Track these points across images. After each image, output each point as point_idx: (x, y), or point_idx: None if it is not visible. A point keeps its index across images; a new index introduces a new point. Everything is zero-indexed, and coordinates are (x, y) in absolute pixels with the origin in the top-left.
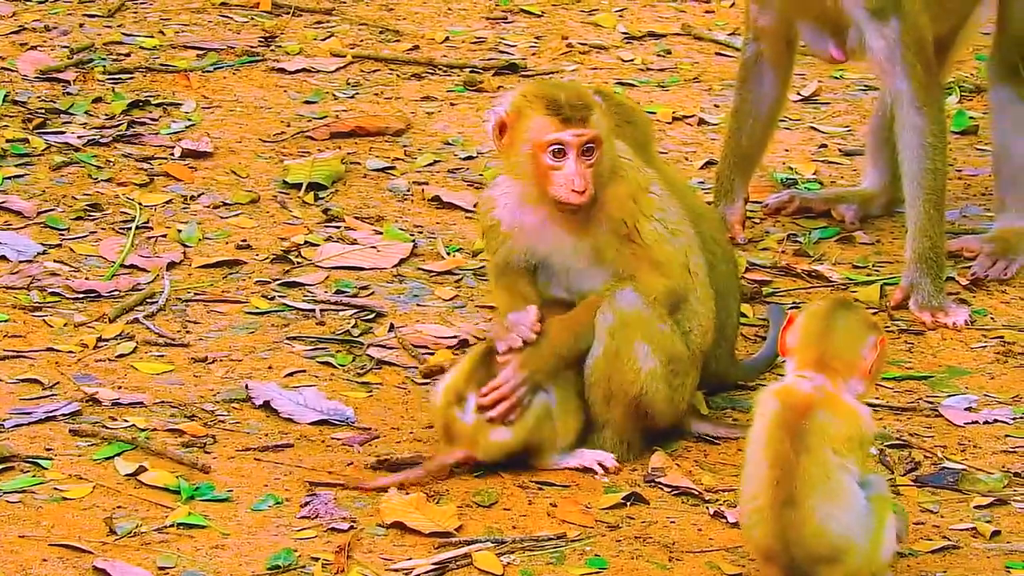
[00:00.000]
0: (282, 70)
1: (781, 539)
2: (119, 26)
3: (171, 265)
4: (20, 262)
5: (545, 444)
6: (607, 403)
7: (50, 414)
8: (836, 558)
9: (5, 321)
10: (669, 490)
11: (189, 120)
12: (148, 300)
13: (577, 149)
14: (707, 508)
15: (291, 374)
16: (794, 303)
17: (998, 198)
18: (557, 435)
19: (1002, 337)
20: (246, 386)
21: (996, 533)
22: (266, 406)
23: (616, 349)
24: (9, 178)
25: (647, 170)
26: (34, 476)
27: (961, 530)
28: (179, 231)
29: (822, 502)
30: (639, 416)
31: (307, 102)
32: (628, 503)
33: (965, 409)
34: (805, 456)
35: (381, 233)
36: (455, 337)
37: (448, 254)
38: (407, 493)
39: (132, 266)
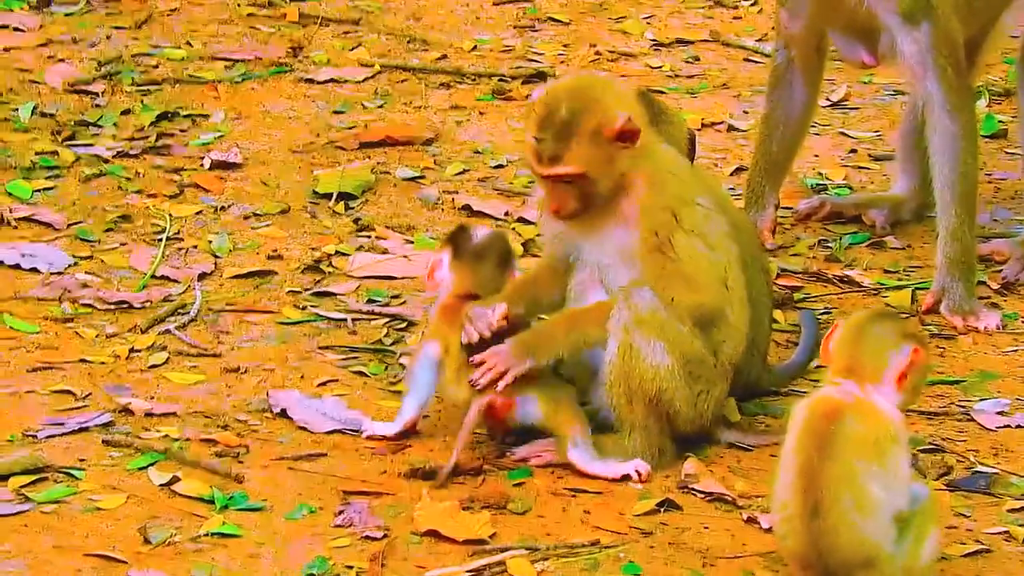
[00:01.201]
0: (310, 80)
1: (813, 547)
2: (147, 38)
3: (202, 276)
4: (51, 274)
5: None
6: (629, 403)
7: (83, 425)
8: (869, 564)
9: (37, 333)
10: (702, 496)
11: (218, 131)
12: (179, 311)
13: (549, 183)
14: (741, 514)
15: (323, 384)
16: (826, 308)
17: None
18: (574, 423)
19: None
20: (267, 395)
21: None
22: (283, 414)
23: (630, 345)
24: (39, 190)
25: (695, 182)
26: (68, 487)
27: (994, 534)
28: (210, 242)
29: (847, 510)
30: (661, 416)
31: (336, 112)
32: (662, 509)
33: (997, 413)
34: (830, 463)
35: (412, 242)
36: None
37: None
38: (443, 484)
39: (163, 277)
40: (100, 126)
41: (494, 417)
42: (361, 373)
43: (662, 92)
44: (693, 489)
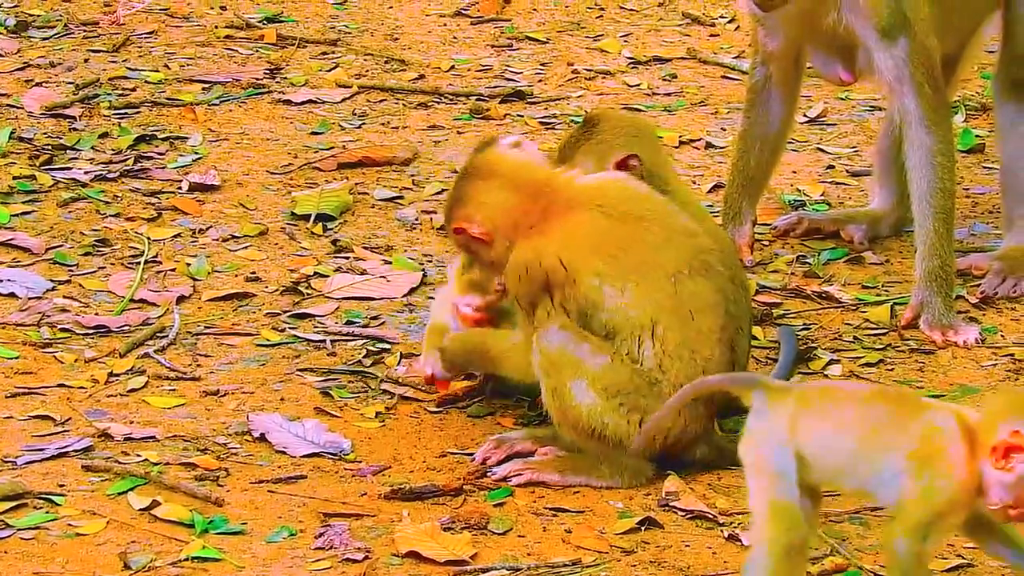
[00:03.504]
0: (288, 102)
1: None
2: (124, 61)
3: (181, 299)
4: (29, 299)
5: None
6: (580, 437)
7: (62, 450)
8: None
9: (15, 358)
10: (683, 514)
11: (196, 153)
12: (158, 334)
13: None
14: (722, 531)
15: (302, 406)
16: (805, 324)
17: (1006, 216)
18: None
19: (1012, 355)
20: (247, 418)
21: None
22: (262, 438)
23: (554, 388)
24: (17, 215)
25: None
26: (47, 512)
27: (975, 549)
28: (188, 265)
29: None
30: (612, 445)
31: (314, 133)
32: (642, 528)
33: None
34: None
35: (390, 263)
36: None
37: None
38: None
39: (142, 301)
40: (78, 150)
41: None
42: (341, 395)
43: (639, 110)
44: (674, 507)
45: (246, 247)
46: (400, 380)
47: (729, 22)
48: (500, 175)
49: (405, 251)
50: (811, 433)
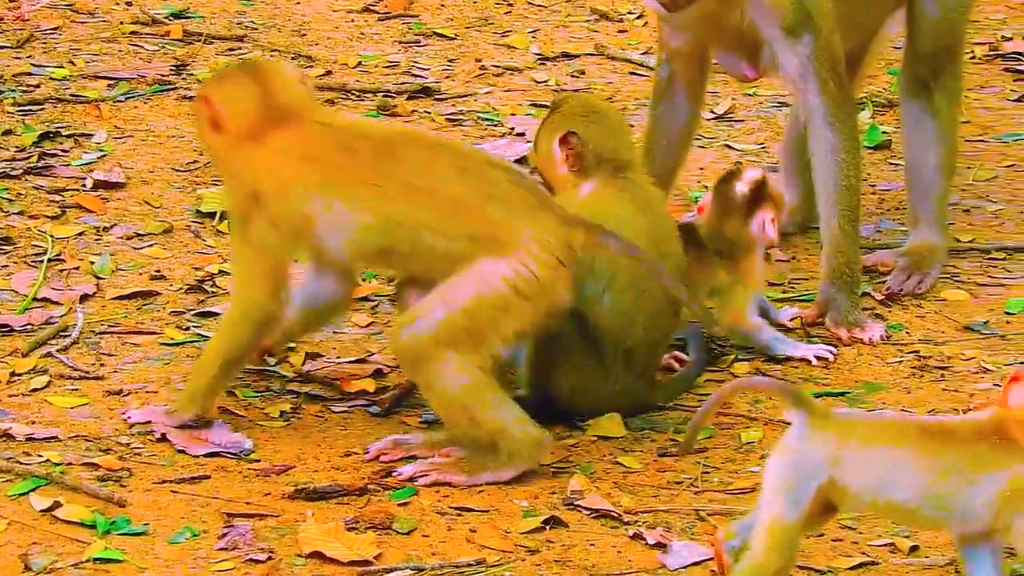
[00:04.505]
0: (194, 98)
1: None
2: (28, 57)
3: (84, 297)
4: None
5: None
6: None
7: None
8: None
9: None
10: (588, 513)
11: (101, 151)
12: (61, 333)
13: None
14: (627, 530)
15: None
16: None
17: (911, 212)
18: None
19: (918, 351)
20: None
21: (914, 548)
22: (164, 438)
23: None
24: None
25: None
26: None
27: (879, 546)
28: (92, 263)
29: None
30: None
31: None
32: (547, 527)
33: None
34: None
35: (298, 260)
36: (371, 364)
37: (364, 280)
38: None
39: (45, 299)
40: None
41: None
42: (245, 394)
43: (547, 107)
44: (579, 506)
45: (151, 245)
46: (308, 377)
47: (637, 18)
48: (265, 80)
49: None
50: (861, 469)
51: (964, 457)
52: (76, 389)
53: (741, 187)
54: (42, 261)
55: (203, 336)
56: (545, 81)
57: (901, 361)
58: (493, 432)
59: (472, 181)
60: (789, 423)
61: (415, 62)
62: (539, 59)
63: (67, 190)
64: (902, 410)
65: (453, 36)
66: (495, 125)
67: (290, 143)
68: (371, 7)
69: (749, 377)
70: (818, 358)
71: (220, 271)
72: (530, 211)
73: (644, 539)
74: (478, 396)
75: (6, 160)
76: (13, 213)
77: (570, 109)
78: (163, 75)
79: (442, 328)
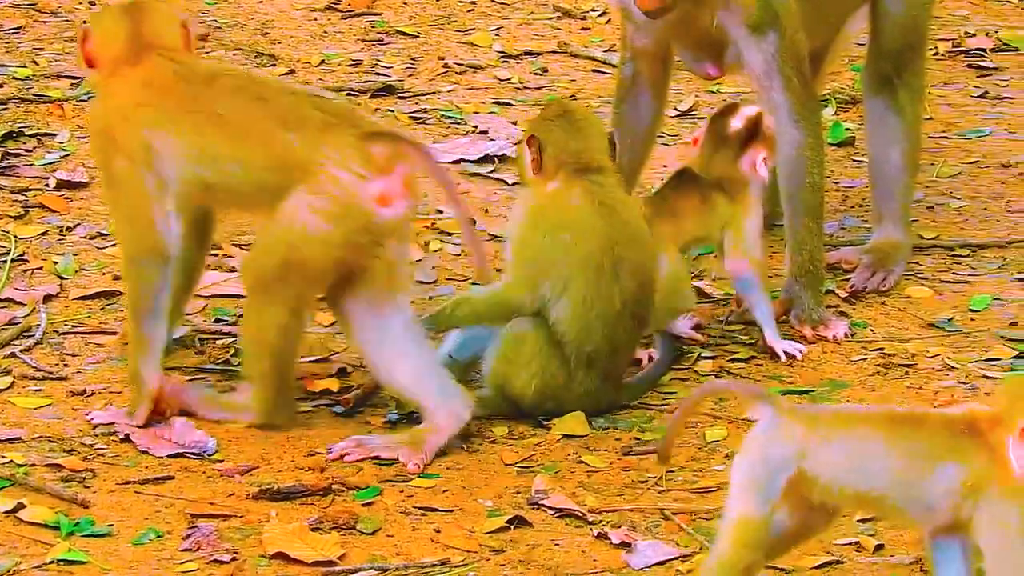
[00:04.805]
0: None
1: None
2: None
3: (47, 298)
4: None
5: None
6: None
7: None
8: None
9: None
10: (552, 512)
11: (64, 150)
12: (25, 334)
13: None
14: (591, 530)
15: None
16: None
17: (875, 210)
18: None
19: (882, 349)
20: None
21: (879, 547)
22: (127, 439)
23: None
24: None
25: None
26: None
27: (844, 544)
28: (55, 263)
29: None
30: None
31: None
32: (512, 526)
33: None
34: None
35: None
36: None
37: None
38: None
39: (8, 300)
40: None
41: None
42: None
43: (511, 104)
44: (543, 505)
45: (114, 244)
46: None
47: (600, 15)
48: (139, 17)
49: None
50: (829, 459)
51: (932, 443)
52: (40, 390)
53: (736, 123)
54: (5, 261)
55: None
56: (508, 79)
57: (865, 358)
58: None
59: (268, 109)
60: (754, 421)
61: (378, 60)
62: (502, 57)
63: (30, 190)
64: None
65: (416, 34)
66: (458, 123)
67: (136, 75)
68: (334, 5)
69: (716, 382)
70: (787, 354)
71: None
72: (324, 131)
73: (609, 538)
74: (283, 342)
75: None
76: None
77: (542, 114)
78: None
79: (261, 264)
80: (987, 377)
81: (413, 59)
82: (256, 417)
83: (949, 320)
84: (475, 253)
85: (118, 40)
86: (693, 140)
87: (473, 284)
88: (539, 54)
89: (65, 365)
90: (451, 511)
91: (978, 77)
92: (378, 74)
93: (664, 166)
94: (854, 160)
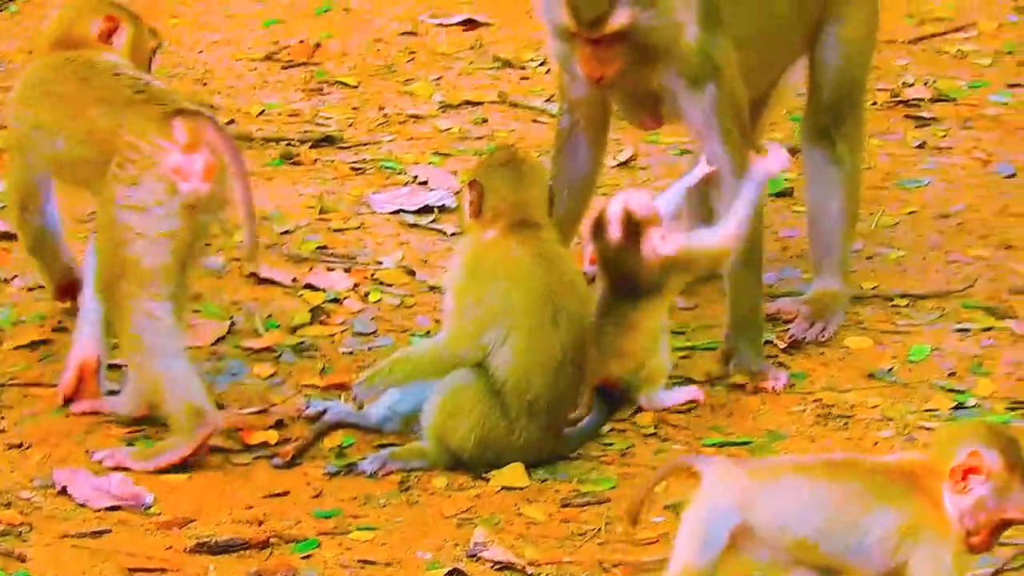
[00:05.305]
0: None
1: None
2: None
3: None
4: None
5: None
6: None
7: None
8: None
9: None
10: (491, 565)
11: (1, 203)
12: None
13: None
14: None
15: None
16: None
17: (814, 260)
18: None
19: (821, 400)
20: (52, 471)
21: None
22: (64, 492)
23: None
24: None
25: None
26: None
27: None
28: None
29: None
30: None
31: None
32: None
33: None
34: None
35: (198, 311)
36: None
37: (266, 331)
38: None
39: None
40: None
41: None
42: (147, 446)
43: (450, 155)
44: (483, 557)
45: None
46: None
47: (540, 65)
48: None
49: (213, 299)
50: (769, 508)
51: (867, 486)
52: None
53: (614, 230)
54: None
55: (109, 391)
56: (448, 129)
57: (804, 409)
58: (154, 385)
59: (88, 86)
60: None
61: (318, 110)
62: (442, 107)
63: None
64: None
65: (356, 84)
66: (398, 173)
67: (34, 61)
68: (274, 55)
69: (690, 457)
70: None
71: None
72: (126, 107)
73: None
74: (151, 339)
75: None
76: None
77: (487, 159)
78: None
79: (101, 258)
80: (926, 428)
81: (354, 109)
82: (185, 442)
83: (888, 370)
84: (247, 231)
85: (52, 31)
86: (590, 260)
87: (412, 337)
88: (479, 104)
89: (2, 417)
90: (390, 564)
91: (916, 127)
92: (318, 124)
93: None
94: (793, 210)
